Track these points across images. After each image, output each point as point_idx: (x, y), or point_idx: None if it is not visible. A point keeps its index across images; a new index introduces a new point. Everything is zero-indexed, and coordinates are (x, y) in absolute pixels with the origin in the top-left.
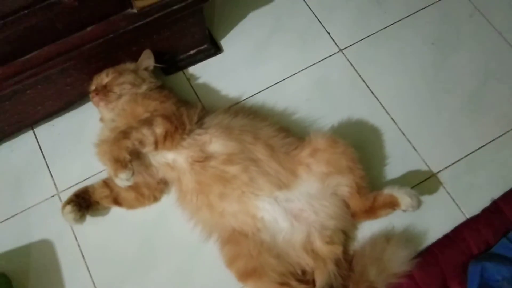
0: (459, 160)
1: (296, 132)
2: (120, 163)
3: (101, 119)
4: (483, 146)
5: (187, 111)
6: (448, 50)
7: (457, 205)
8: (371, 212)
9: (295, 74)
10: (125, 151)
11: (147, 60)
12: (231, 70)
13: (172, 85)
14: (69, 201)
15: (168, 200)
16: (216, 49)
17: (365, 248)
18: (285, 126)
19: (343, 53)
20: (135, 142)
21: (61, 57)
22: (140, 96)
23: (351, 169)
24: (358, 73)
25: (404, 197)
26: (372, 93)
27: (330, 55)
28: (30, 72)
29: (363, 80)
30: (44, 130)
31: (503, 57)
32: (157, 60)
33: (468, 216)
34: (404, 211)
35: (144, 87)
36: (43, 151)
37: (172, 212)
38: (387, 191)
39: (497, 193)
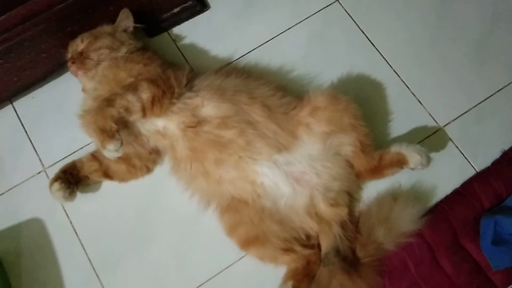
0: (466, 111)
1: (294, 91)
2: (106, 133)
3: (83, 89)
4: (492, 95)
5: (175, 73)
6: None
7: (466, 158)
8: (377, 171)
9: (288, 29)
10: (111, 120)
11: (126, 20)
12: (220, 28)
13: (157, 47)
14: (56, 178)
15: (162, 170)
16: (202, 6)
17: (372, 209)
18: (282, 85)
19: (339, 3)
20: (121, 109)
21: (31, 20)
22: (121, 60)
23: (354, 126)
24: (356, 24)
25: (412, 155)
26: (373, 44)
27: (326, 6)
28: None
29: (362, 32)
30: (24, 104)
31: None
32: (137, 20)
33: (478, 169)
34: (412, 169)
35: (123, 50)
36: (24, 126)
37: (166, 183)
38: (394, 149)
39: (507, 144)
